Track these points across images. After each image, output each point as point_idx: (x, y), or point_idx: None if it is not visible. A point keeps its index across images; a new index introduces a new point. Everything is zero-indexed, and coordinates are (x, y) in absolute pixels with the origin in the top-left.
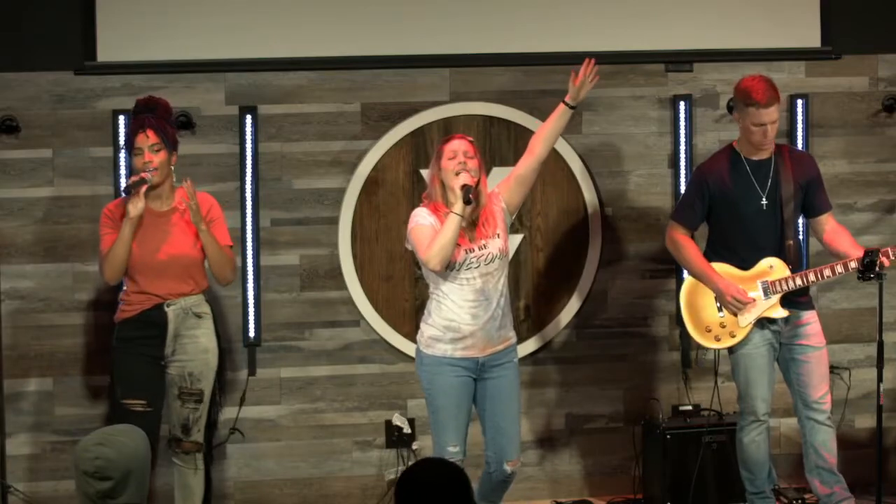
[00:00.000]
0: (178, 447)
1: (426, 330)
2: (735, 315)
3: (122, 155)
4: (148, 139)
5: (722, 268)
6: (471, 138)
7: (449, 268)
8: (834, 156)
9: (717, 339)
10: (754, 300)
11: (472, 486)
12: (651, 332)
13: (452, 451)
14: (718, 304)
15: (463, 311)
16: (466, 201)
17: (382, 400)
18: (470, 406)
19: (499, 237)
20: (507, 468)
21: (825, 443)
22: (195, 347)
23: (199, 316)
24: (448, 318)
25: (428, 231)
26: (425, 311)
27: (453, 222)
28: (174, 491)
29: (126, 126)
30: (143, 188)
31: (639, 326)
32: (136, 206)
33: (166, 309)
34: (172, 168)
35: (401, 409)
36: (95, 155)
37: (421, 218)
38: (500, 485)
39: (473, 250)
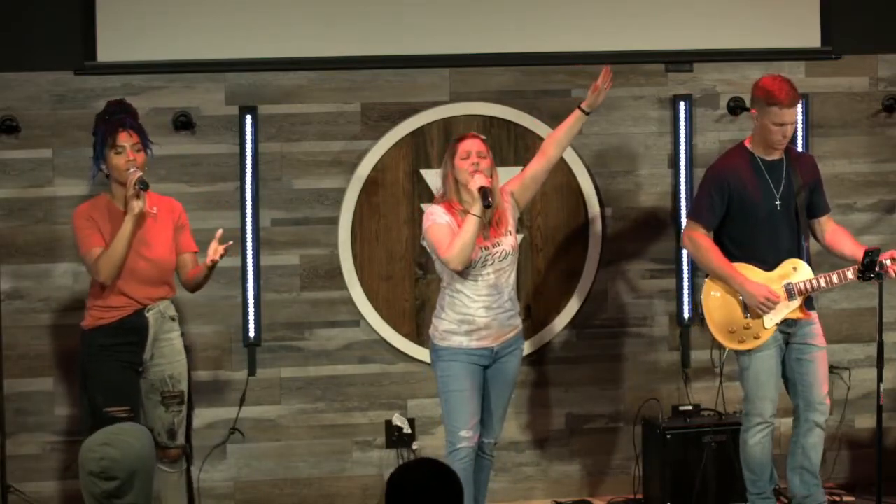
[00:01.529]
0: (165, 455)
1: (440, 324)
2: (761, 317)
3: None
4: (130, 138)
5: (746, 269)
6: (483, 137)
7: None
8: (834, 156)
9: (741, 342)
10: (783, 300)
11: (462, 486)
12: (651, 332)
13: (465, 436)
14: (743, 306)
15: (477, 305)
16: (487, 205)
17: (382, 400)
18: (481, 395)
19: (510, 234)
20: (484, 440)
21: (815, 446)
22: (171, 350)
23: (172, 319)
24: (462, 312)
25: (445, 230)
26: (437, 307)
27: (473, 224)
28: (159, 492)
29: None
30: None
31: (639, 326)
32: (139, 204)
33: (147, 314)
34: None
35: (401, 409)
36: None
37: (437, 217)
38: (479, 462)
39: (489, 248)
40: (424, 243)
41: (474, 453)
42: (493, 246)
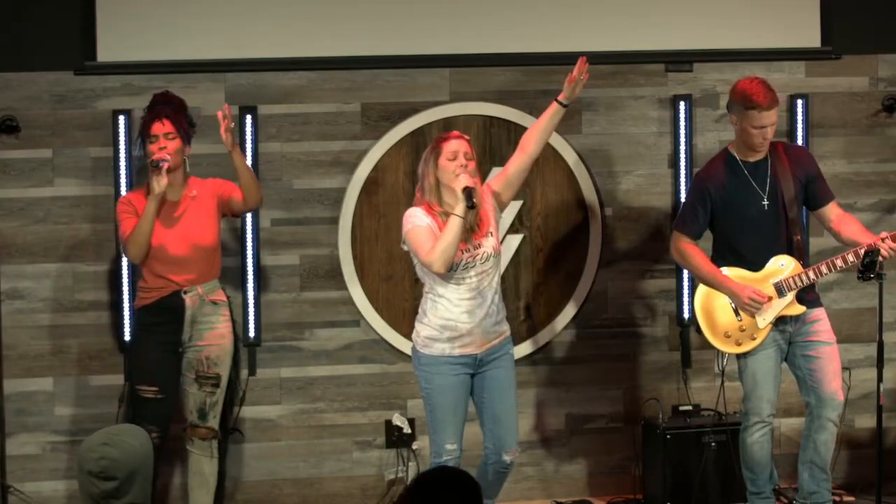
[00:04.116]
0: (194, 433)
1: (422, 330)
2: (753, 317)
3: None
4: (164, 127)
5: (734, 272)
6: (468, 137)
7: (448, 269)
8: (834, 156)
9: (738, 344)
10: (770, 298)
11: (481, 495)
12: (651, 332)
13: (450, 449)
14: (734, 309)
15: (459, 310)
16: (471, 206)
17: (382, 400)
18: (467, 404)
19: (491, 235)
20: (506, 458)
21: (827, 442)
22: (211, 333)
23: (214, 303)
24: (444, 317)
25: (426, 232)
26: (420, 311)
27: (456, 225)
28: (187, 479)
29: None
30: (166, 165)
31: (639, 326)
32: (160, 184)
33: (183, 296)
34: (186, 159)
35: (401, 409)
36: (95, 155)
37: (417, 219)
38: (498, 476)
39: (469, 250)
40: (405, 247)
41: (460, 462)
42: (475, 248)
